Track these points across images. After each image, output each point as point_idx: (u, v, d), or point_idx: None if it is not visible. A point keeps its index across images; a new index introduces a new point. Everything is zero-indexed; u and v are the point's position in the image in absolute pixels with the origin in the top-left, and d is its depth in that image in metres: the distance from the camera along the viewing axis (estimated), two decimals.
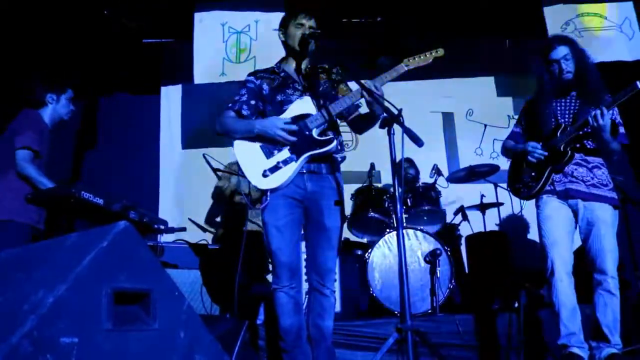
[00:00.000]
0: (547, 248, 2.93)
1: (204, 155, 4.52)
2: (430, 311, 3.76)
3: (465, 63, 5.60)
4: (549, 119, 3.04)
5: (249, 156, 2.65)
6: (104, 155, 5.48)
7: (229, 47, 4.96)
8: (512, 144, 3.23)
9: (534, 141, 3.06)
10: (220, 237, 4.59)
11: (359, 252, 4.28)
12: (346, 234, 4.45)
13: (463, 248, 4.72)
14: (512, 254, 4.46)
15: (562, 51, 3.00)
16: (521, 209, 4.95)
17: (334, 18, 5.29)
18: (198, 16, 4.97)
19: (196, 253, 4.29)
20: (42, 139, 3.28)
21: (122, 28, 5.26)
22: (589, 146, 2.98)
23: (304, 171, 2.64)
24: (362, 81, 2.59)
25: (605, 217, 2.88)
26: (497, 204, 4.79)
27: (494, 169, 4.69)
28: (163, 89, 5.86)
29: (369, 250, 3.94)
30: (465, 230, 4.79)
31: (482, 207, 4.82)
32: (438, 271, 3.82)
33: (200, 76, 4.86)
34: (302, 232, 2.74)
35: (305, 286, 3.01)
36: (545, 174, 3.00)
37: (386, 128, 2.36)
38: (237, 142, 2.69)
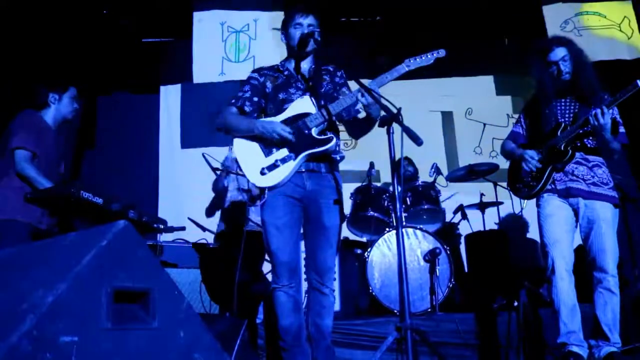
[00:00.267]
0: (547, 247, 2.93)
1: (203, 154, 4.52)
2: (429, 310, 3.76)
3: (465, 62, 5.60)
4: (550, 118, 3.05)
5: (248, 154, 2.66)
6: (103, 154, 5.48)
7: (228, 46, 4.96)
8: (511, 147, 3.24)
9: (535, 140, 3.08)
10: (220, 236, 4.59)
11: (359, 251, 4.28)
12: (346, 232, 4.45)
13: (462, 247, 4.73)
14: (511, 253, 4.46)
15: (560, 52, 3.01)
16: (522, 208, 4.95)
17: (332, 17, 5.29)
18: (197, 15, 4.97)
19: (195, 252, 4.29)
20: (40, 139, 3.27)
21: (121, 27, 5.25)
22: (589, 145, 2.99)
23: (303, 170, 2.64)
24: (361, 80, 2.59)
25: (606, 216, 2.89)
26: (497, 203, 4.79)
27: (494, 167, 4.69)
28: (162, 88, 5.86)
29: (369, 249, 3.94)
30: (464, 229, 4.79)
31: (482, 206, 4.82)
32: (437, 270, 3.82)
33: (200, 75, 4.86)
34: (302, 231, 2.75)
35: (304, 285, 3.01)
36: (546, 173, 3.00)
37: (385, 127, 2.36)
38: (236, 140, 2.71)
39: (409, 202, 4.31)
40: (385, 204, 4.28)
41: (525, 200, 3.66)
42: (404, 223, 4.08)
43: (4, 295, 1.41)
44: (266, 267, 4.02)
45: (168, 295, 1.53)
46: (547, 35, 4.63)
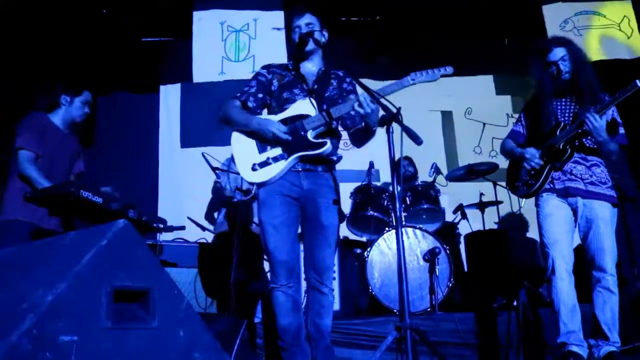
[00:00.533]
0: (547, 247, 2.94)
1: (203, 153, 4.52)
2: (429, 309, 3.76)
3: (465, 62, 5.58)
4: (550, 118, 3.06)
5: (243, 148, 2.69)
6: (103, 154, 5.47)
7: (228, 45, 4.95)
8: (511, 145, 3.24)
9: (534, 139, 3.08)
10: (220, 236, 4.59)
11: (358, 251, 4.28)
12: (345, 232, 4.46)
13: (462, 246, 4.73)
14: (511, 253, 4.46)
15: (559, 53, 3.02)
16: (520, 207, 4.96)
17: (332, 17, 5.28)
18: (197, 15, 4.96)
19: (195, 251, 4.29)
20: (43, 140, 3.29)
21: (121, 27, 5.25)
22: (588, 144, 3.00)
23: (300, 169, 2.65)
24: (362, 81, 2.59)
25: (604, 215, 2.89)
26: (496, 203, 4.79)
27: (493, 167, 4.69)
28: (162, 88, 5.85)
29: (368, 249, 3.94)
30: (464, 228, 4.80)
31: (481, 206, 4.82)
32: (437, 270, 3.82)
33: (199, 75, 4.85)
34: (300, 230, 2.75)
35: (304, 285, 3.02)
36: (545, 172, 3.01)
37: (385, 126, 2.37)
38: (235, 133, 2.73)
39: (408, 202, 4.31)
40: (385, 204, 4.28)
41: (524, 199, 3.66)
42: (404, 222, 4.09)
43: (4, 294, 1.41)
44: (267, 265, 4.02)
45: (168, 294, 1.53)
46: (547, 35, 4.63)
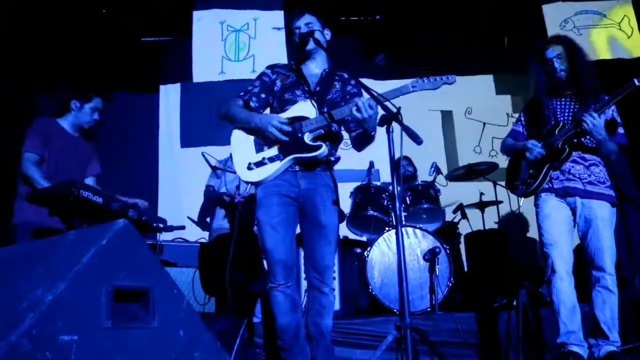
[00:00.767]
0: (547, 247, 2.93)
1: (202, 153, 4.52)
2: (429, 309, 3.76)
3: (465, 62, 5.60)
4: (549, 117, 3.06)
5: (241, 146, 2.70)
6: (103, 153, 5.45)
7: (228, 45, 4.95)
8: (512, 142, 3.25)
9: (534, 138, 3.08)
10: (219, 235, 4.59)
11: (358, 251, 4.28)
12: (345, 232, 4.46)
13: (462, 246, 4.73)
14: (511, 252, 4.47)
15: (555, 50, 3.02)
16: (519, 206, 4.96)
17: (331, 16, 5.28)
18: (197, 14, 4.95)
19: (195, 251, 4.29)
20: (49, 144, 3.32)
21: (121, 26, 5.25)
22: (586, 144, 2.99)
23: (297, 169, 2.65)
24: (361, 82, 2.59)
25: (603, 215, 2.89)
26: (496, 202, 4.79)
27: (493, 167, 4.70)
28: (162, 88, 5.85)
29: (368, 249, 3.94)
30: (464, 228, 4.80)
31: (481, 206, 4.83)
32: (437, 269, 3.82)
33: (199, 74, 4.84)
34: (298, 230, 2.74)
35: (304, 285, 3.01)
36: (543, 171, 3.01)
37: (385, 126, 2.36)
38: (235, 131, 2.74)
39: (408, 202, 4.31)
40: (385, 203, 4.28)
41: (523, 199, 3.66)
42: (404, 222, 4.09)
43: (4, 294, 1.41)
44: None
45: (168, 294, 1.53)
46: (547, 34, 4.63)
